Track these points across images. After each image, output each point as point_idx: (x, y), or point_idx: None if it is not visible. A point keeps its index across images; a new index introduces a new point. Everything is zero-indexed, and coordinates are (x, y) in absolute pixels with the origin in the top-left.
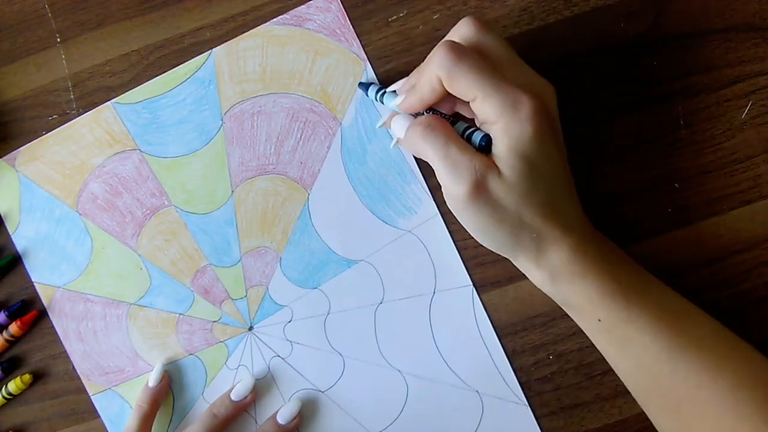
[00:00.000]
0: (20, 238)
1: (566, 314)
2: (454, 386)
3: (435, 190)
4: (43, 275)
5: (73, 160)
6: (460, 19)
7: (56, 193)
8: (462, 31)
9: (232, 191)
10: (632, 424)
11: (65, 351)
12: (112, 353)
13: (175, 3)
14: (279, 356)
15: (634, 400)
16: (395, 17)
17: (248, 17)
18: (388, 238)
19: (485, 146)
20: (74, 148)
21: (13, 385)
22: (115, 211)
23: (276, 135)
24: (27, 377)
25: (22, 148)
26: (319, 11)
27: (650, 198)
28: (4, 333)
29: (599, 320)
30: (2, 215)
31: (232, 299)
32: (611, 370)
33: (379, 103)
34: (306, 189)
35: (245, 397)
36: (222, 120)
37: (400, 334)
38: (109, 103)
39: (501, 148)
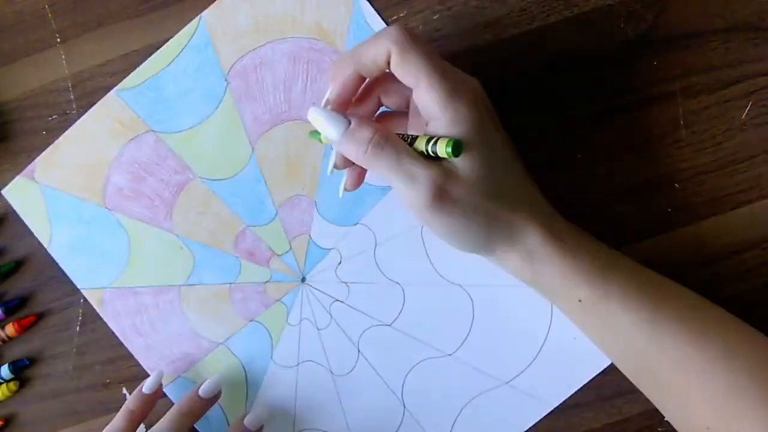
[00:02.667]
0: (56, 249)
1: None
2: (519, 287)
3: None
4: (88, 280)
5: (90, 157)
6: (460, 19)
7: (82, 195)
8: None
9: (253, 148)
10: (632, 424)
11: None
12: (174, 340)
13: (175, 3)
14: (338, 300)
15: (634, 400)
16: (395, 17)
17: None
18: None
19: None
20: (88, 146)
21: None
22: (143, 197)
23: (282, 82)
24: (12, 385)
25: (36, 159)
26: None
27: (650, 198)
28: (0, 333)
29: (580, 300)
30: (33, 231)
31: (278, 255)
32: (612, 369)
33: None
34: None
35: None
36: (226, 80)
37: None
38: (111, 93)
39: None
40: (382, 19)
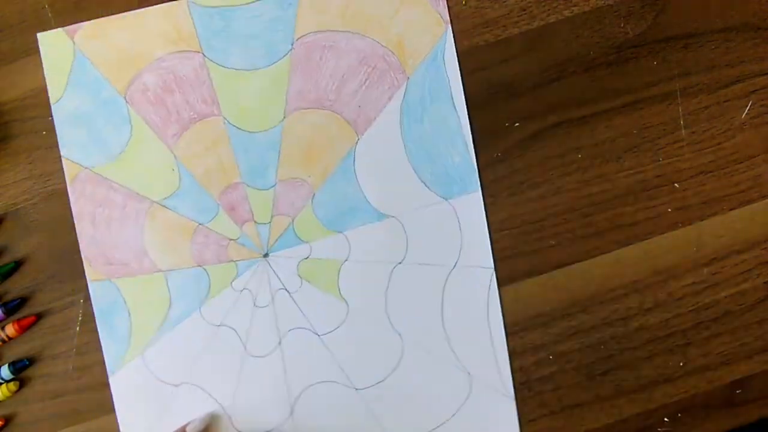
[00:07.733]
0: (60, 111)
1: (566, 314)
2: (449, 363)
3: (483, 166)
4: (73, 152)
5: (134, 48)
6: (460, 18)
7: (108, 76)
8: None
9: (284, 117)
10: (632, 424)
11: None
12: (121, 246)
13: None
14: (286, 290)
15: (634, 400)
16: None
17: None
18: (425, 201)
19: None
20: (137, 36)
21: None
22: (163, 107)
23: (341, 73)
24: (12, 385)
25: (85, 23)
26: None
27: (650, 198)
28: (0, 333)
29: None
30: (47, 83)
31: (255, 222)
32: (611, 369)
33: None
34: (357, 133)
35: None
36: (292, 45)
37: (411, 298)
38: (184, 1)
39: None
40: (459, 65)
